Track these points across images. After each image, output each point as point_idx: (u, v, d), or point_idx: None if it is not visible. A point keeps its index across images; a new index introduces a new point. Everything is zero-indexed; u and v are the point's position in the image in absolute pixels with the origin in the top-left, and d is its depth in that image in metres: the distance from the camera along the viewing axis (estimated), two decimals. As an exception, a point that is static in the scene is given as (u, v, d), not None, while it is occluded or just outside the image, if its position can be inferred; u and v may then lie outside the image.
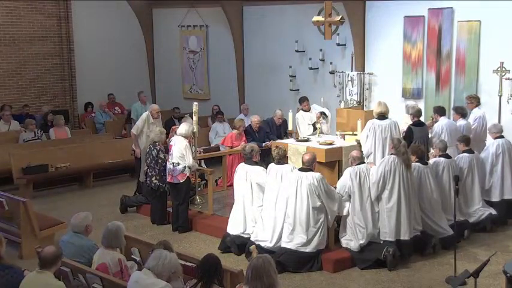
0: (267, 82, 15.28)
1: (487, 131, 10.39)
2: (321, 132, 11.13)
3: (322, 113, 11.50)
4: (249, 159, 8.91)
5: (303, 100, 12.09)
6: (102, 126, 15.68)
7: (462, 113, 10.62)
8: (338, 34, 13.06)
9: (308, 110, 11.95)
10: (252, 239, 8.59)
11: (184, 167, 9.68)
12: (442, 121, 10.40)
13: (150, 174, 10.15)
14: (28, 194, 11.57)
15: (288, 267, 8.18)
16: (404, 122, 10.66)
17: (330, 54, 13.87)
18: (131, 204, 10.98)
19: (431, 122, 10.76)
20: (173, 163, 9.71)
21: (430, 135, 10.41)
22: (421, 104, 12.08)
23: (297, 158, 9.60)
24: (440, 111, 10.60)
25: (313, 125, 11.57)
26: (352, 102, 13.21)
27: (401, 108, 12.04)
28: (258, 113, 13.79)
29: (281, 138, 11.52)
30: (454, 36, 12.00)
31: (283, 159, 8.74)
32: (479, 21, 11.62)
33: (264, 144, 11.76)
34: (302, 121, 11.86)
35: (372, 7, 13.15)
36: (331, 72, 13.81)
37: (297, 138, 10.78)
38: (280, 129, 12.19)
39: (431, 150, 9.79)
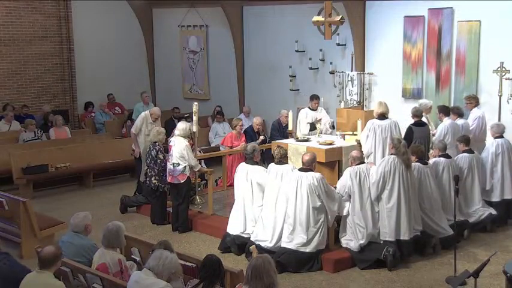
0: (267, 82, 15.27)
1: (489, 130, 10.36)
2: (321, 132, 11.12)
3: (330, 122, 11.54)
4: (250, 159, 8.91)
5: (313, 98, 11.96)
6: (102, 126, 15.68)
7: (459, 113, 10.65)
8: (338, 34, 13.05)
9: (315, 109, 11.87)
10: (252, 239, 8.59)
11: (185, 167, 9.68)
12: (446, 122, 10.38)
13: (149, 174, 10.16)
14: (28, 194, 11.58)
15: (288, 267, 8.19)
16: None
17: (330, 54, 13.87)
18: (131, 204, 10.98)
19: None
20: (173, 164, 9.70)
21: (433, 136, 10.40)
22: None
23: (297, 158, 9.60)
24: (445, 111, 10.58)
25: (312, 124, 11.56)
26: (352, 102, 13.21)
27: (401, 108, 12.05)
28: (258, 113, 13.81)
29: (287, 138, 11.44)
30: (454, 36, 11.99)
31: (284, 159, 8.72)
32: (479, 21, 11.61)
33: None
34: (304, 119, 11.82)
35: (372, 7, 13.15)
36: (331, 72, 13.80)
37: (297, 138, 10.77)
38: (287, 129, 12.12)
39: (431, 151, 9.80)
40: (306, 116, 11.85)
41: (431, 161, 9.36)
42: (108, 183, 13.14)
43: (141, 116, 11.25)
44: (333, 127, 11.44)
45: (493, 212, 9.64)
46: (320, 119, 11.61)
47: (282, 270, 7.99)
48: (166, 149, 10.23)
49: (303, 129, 11.66)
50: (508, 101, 11.23)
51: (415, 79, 12.63)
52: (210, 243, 9.33)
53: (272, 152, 9.13)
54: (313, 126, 11.62)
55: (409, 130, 10.15)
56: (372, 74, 13.23)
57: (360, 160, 8.60)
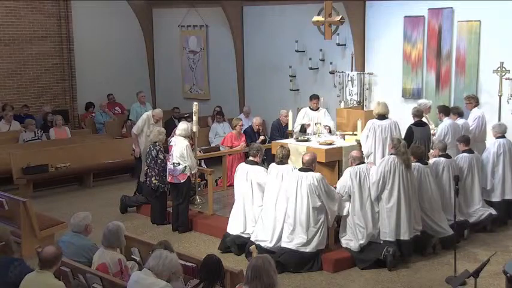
0: (267, 82, 15.28)
1: (491, 129, 10.36)
2: (321, 133, 11.12)
3: (326, 126, 11.44)
4: (253, 156, 8.88)
5: (312, 98, 11.85)
6: (102, 126, 15.68)
7: (458, 112, 10.66)
8: (338, 34, 13.05)
9: (315, 109, 11.78)
10: (252, 239, 8.59)
11: (185, 167, 9.68)
12: (446, 122, 10.39)
13: (149, 174, 10.16)
14: (28, 194, 11.58)
15: (288, 267, 8.19)
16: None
17: (330, 54, 13.87)
18: (131, 204, 10.98)
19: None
20: (174, 163, 9.71)
21: (433, 136, 10.39)
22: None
23: (297, 158, 9.59)
24: (445, 111, 10.59)
25: (303, 125, 11.51)
26: (352, 102, 13.20)
27: (401, 108, 12.04)
28: (258, 113, 13.80)
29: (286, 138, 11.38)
30: (454, 36, 11.99)
31: (285, 160, 8.71)
32: (479, 21, 11.61)
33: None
34: (300, 118, 11.78)
35: (371, 7, 13.14)
36: (331, 72, 13.80)
37: (297, 138, 10.76)
38: (287, 129, 12.07)
39: (431, 151, 9.81)
40: (303, 115, 11.80)
41: (431, 161, 9.36)
42: (108, 183, 13.13)
43: (143, 117, 11.27)
44: (329, 132, 11.35)
45: (493, 212, 9.64)
46: (309, 124, 11.54)
47: (282, 270, 7.98)
48: (167, 149, 10.23)
49: (295, 128, 11.61)
50: (508, 101, 11.23)
51: (415, 79, 12.63)
52: (210, 243, 9.33)
53: (274, 152, 9.10)
54: (303, 128, 11.58)
55: (409, 130, 10.14)
56: (372, 74, 13.23)
57: (360, 160, 8.60)
